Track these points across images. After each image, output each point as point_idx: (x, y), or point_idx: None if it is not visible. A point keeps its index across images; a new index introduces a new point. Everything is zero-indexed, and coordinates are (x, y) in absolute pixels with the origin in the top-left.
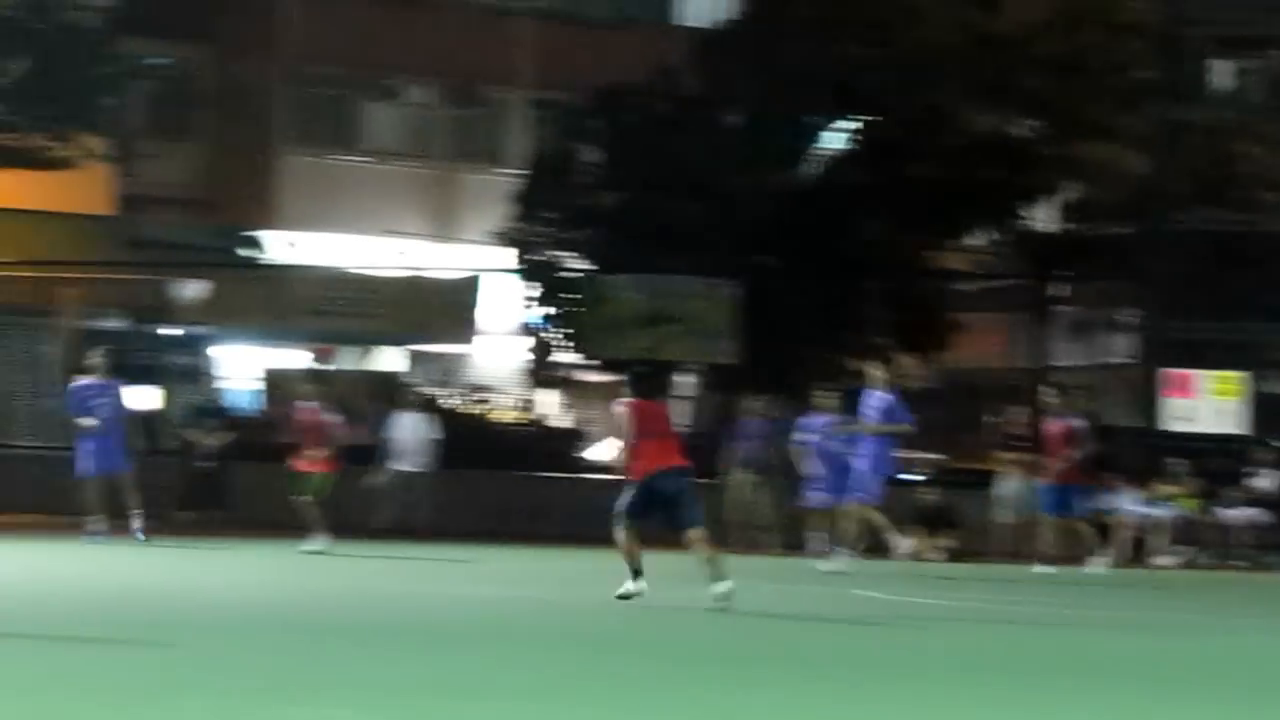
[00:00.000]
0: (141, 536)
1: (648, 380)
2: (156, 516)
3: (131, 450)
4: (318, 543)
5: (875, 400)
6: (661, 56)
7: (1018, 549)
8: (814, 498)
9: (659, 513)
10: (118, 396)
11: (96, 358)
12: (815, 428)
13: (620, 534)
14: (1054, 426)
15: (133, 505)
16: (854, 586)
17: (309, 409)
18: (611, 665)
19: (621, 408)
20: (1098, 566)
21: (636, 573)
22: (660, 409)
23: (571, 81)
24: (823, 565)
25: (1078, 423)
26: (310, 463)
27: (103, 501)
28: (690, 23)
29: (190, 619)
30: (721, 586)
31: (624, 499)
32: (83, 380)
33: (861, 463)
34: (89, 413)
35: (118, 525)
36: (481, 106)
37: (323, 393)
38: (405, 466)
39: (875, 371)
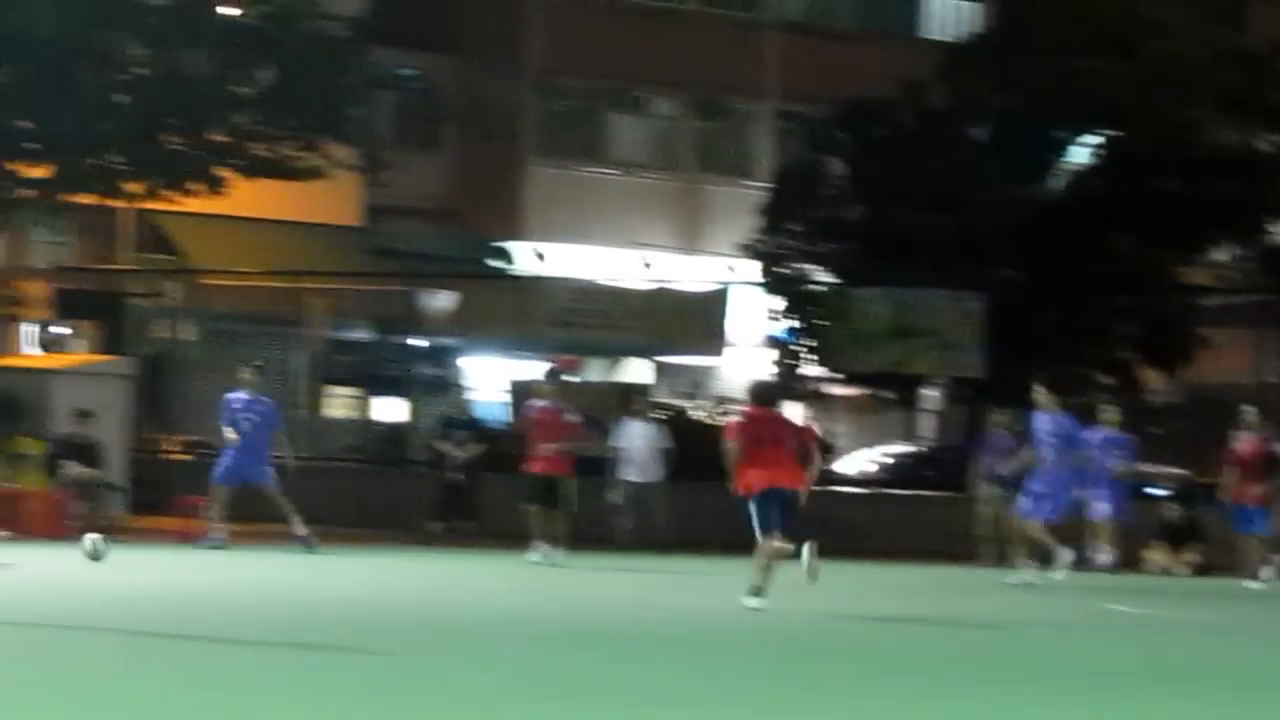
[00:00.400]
0: (313, 545)
1: (767, 389)
2: (404, 526)
3: (276, 464)
4: (539, 553)
5: (1047, 423)
6: (907, 69)
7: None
8: (1100, 509)
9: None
10: (268, 410)
11: (248, 372)
12: (1095, 442)
13: (769, 547)
14: (1247, 445)
15: (291, 515)
16: (1106, 601)
17: (546, 407)
18: (875, 677)
19: (734, 418)
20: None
21: (758, 589)
22: (777, 419)
23: (817, 94)
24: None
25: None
26: (544, 462)
27: (229, 510)
28: (936, 36)
29: (429, 627)
30: (755, 602)
31: (757, 520)
32: (236, 393)
33: (1040, 484)
34: (234, 425)
35: (276, 534)
36: (727, 118)
37: (560, 393)
38: (635, 476)
39: (1042, 396)
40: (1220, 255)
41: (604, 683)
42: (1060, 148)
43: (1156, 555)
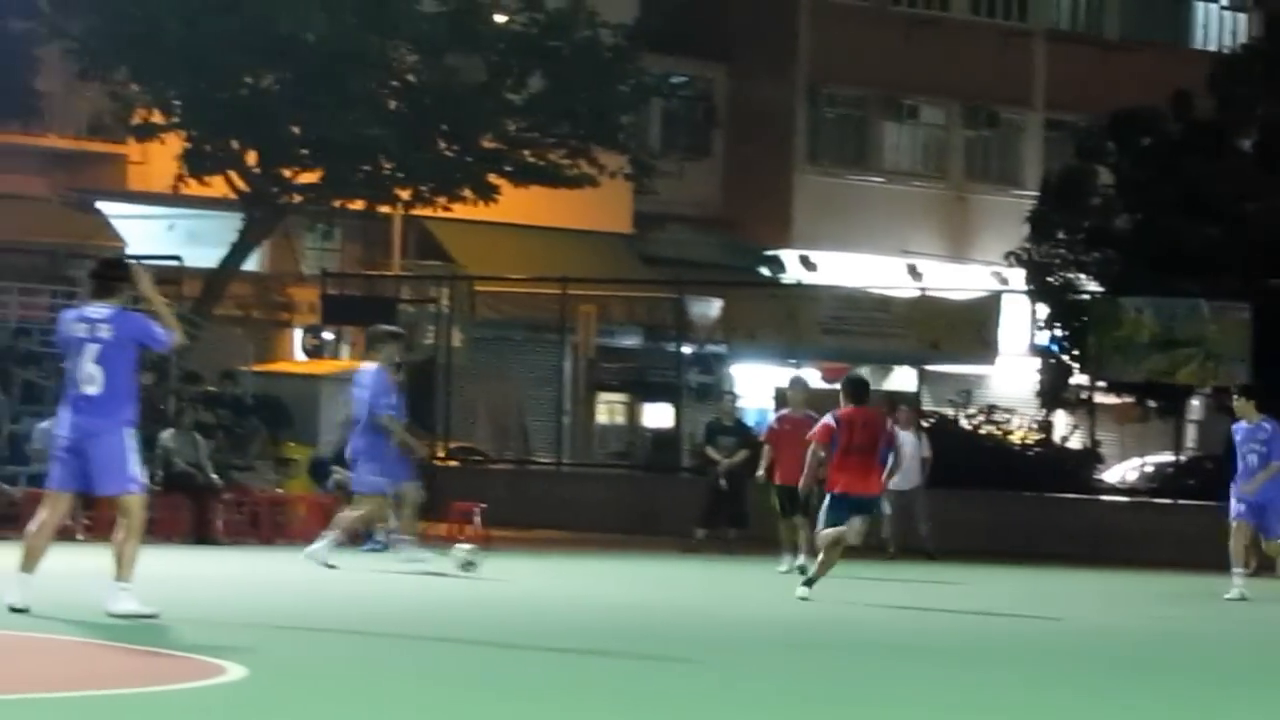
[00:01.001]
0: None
1: (863, 388)
2: (672, 532)
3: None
4: (786, 563)
5: (1244, 431)
6: (1176, 78)
7: None
8: None
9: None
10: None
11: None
12: None
13: (829, 536)
14: None
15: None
16: None
17: (791, 416)
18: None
19: (829, 418)
20: None
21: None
22: (873, 418)
23: (1085, 103)
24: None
25: None
26: (786, 472)
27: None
28: (1205, 46)
29: (716, 634)
30: (803, 591)
31: (827, 516)
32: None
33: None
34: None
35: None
36: (996, 127)
37: (808, 401)
38: (899, 485)
39: (1239, 404)
40: None
41: (898, 692)
42: None
43: None
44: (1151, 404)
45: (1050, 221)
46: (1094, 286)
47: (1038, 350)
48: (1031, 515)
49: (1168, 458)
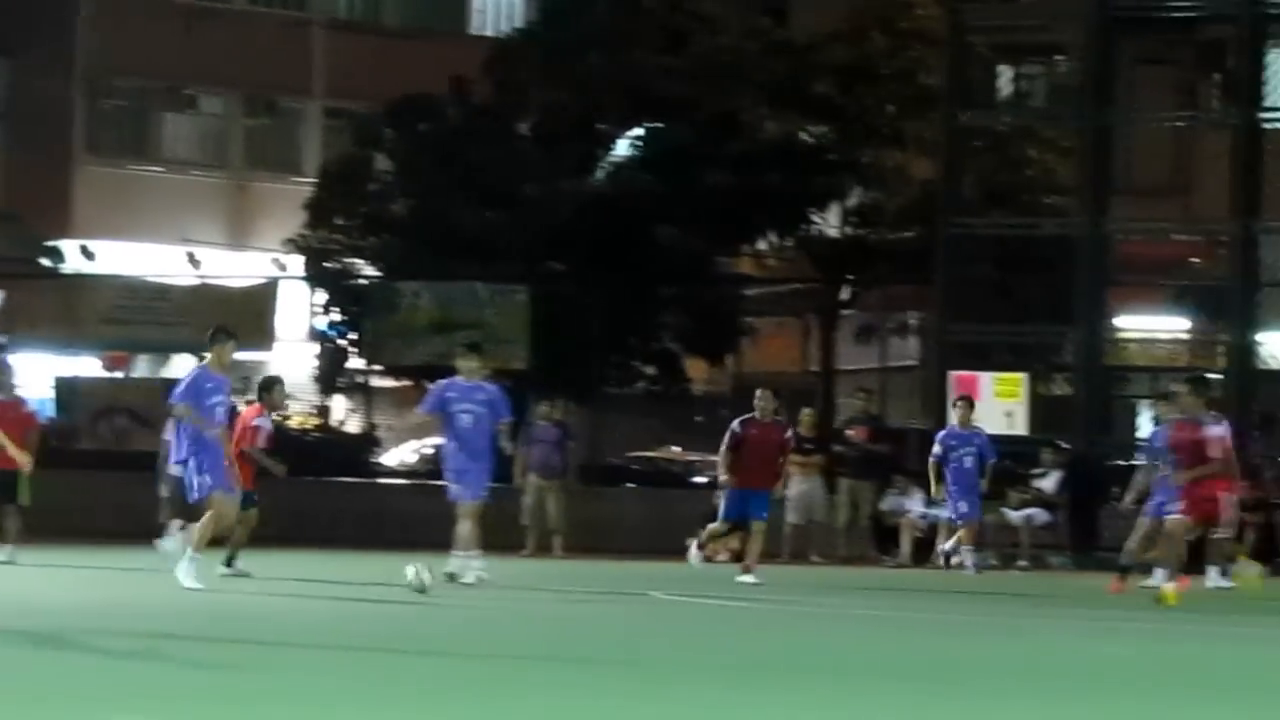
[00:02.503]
0: None
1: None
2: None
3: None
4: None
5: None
6: (455, 66)
7: (802, 551)
8: None
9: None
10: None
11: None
12: None
13: None
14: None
15: None
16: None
17: (10, 403)
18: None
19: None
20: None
21: None
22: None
23: (366, 91)
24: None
25: None
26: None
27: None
28: (484, 32)
29: None
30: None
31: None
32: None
33: None
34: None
35: None
36: (276, 116)
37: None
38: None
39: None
40: (767, 245)
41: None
42: (610, 141)
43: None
44: (430, 386)
45: (329, 208)
46: (372, 271)
47: (316, 335)
48: (315, 500)
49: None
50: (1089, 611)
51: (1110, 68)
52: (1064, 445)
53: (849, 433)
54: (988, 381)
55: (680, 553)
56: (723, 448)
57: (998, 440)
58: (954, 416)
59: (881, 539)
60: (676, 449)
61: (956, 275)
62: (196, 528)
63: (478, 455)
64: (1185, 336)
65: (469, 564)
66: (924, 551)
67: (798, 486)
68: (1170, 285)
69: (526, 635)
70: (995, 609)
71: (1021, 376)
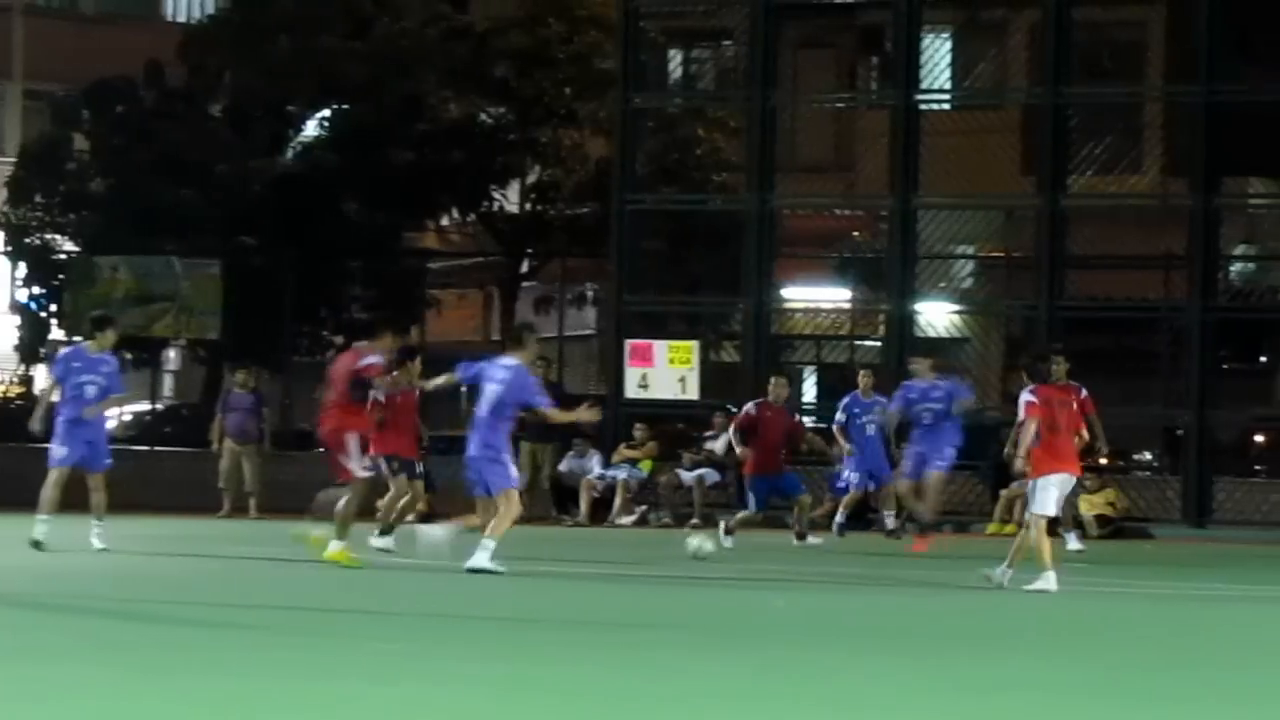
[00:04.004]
0: None
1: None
2: None
3: None
4: None
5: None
6: (151, 50)
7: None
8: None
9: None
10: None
11: None
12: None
13: None
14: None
15: None
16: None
17: None
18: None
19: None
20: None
21: None
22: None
23: (64, 74)
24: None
25: None
26: None
27: None
28: (179, 19)
29: None
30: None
31: None
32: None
33: None
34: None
35: None
36: None
37: None
38: None
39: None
40: (452, 220)
41: None
42: (297, 122)
43: None
44: (128, 355)
45: (28, 186)
46: (71, 246)
47: (18, 308)
48: (17, 466)
49: (145, 406)
50: (753, 566)
51: (775, 51)
52: (733, 409)
53: None
54: (662, 349)
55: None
56: (732, 428)
57: (671, 404)
58: (860, 383)
59: (561, 500)
60: None
61: (632, 249)
62: None
63: (90, 425)
64: (847, 306)
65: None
66: (601, 512)
67: None
68: (833, 258)
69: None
70: (662, 563)
71: (693, 344)
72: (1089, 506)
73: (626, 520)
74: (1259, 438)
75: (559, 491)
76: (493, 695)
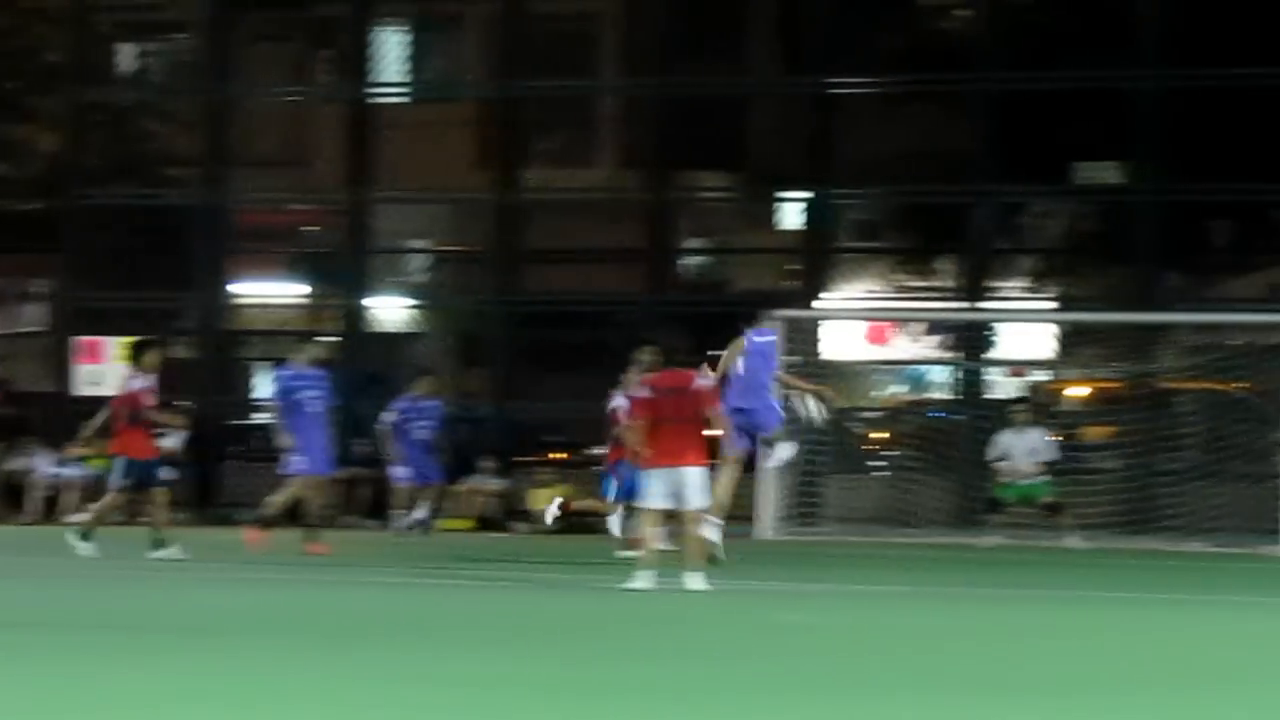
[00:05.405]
0: None
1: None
2: None
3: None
4: None
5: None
6: None
7: None
8: None
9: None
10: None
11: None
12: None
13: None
14: None
15: None
16: None
17: None
18: None
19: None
20: None
21: None
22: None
23: None
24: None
25: None
26: None
27: None
28: None
29: None
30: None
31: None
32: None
33: None
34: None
35: None
36: None
37: None
38: None
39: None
40: None
41: None
42: None
43: None
44: None
45: None
46: None
47: None
48: None
49: None
50: (210, 565)
51: (229, 44)
52: (187, 405)
53: None
54: (112, 345)
55: None
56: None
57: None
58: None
59: (10, 497)
60: None
61: (82, 244)
62: None
63: None
64: (301, 301)
65: None
66: (53, 509)
67: None
68: (287, 252)
69: None
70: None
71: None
72: (544, 501)
73: (78, 518)
74: None
75: (8, 490)
76: None
